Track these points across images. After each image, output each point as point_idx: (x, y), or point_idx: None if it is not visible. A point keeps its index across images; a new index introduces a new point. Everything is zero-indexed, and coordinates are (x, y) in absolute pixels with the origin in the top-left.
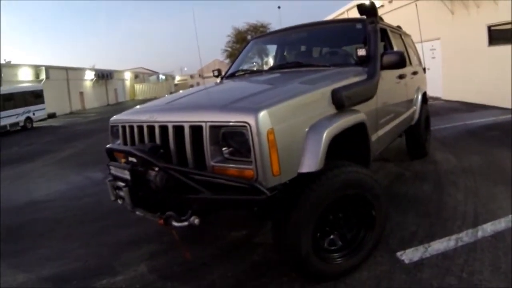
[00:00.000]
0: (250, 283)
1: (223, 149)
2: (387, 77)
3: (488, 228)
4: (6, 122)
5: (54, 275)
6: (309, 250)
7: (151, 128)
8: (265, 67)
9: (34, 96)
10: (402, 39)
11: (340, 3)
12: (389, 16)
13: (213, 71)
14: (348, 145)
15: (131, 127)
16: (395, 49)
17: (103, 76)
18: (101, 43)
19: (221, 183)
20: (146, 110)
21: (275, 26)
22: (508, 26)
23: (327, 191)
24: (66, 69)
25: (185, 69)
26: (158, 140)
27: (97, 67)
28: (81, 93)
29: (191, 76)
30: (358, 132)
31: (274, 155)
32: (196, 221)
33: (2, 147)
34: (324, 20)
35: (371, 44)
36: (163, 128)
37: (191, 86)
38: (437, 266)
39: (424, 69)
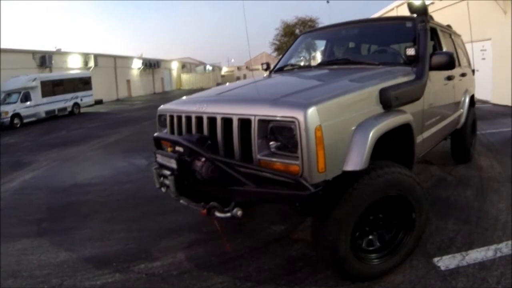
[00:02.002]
0: (285, 278)
1: (270, 143)
2: (435, 78)
3: None
4: (54, 106)
5: (94, 256)
6: (347, 248)
7: (199, 119)
8: (313, 63)
9: (83, 83)
10: (451, 39)
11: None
12: (439, 14)
13: (261, 64)
14: (393, 146)
15: (179, 117)
16: (444, 49)
17: (150, 65)
18: (149, 32)
19: (266, 177)
20: (195, 101)
21: (323, 21)
22: None
23: (369, 191)
24: (114, 57)
25: (232, 60)
26: (206, 131)
27: (145, 56)
28: (128, 81)
29: (238, 68)
30: (403, 133)
31: (321, 152)
32: (239, 213)
33: (50, 131)
34: (374, 18)
35: (420, 44)
36: (212, 120)
37: (238, 78)
38: (473, 276)
39: (473, 71)
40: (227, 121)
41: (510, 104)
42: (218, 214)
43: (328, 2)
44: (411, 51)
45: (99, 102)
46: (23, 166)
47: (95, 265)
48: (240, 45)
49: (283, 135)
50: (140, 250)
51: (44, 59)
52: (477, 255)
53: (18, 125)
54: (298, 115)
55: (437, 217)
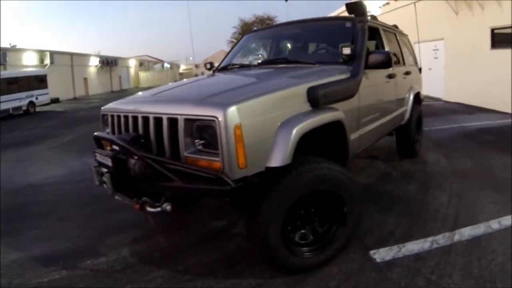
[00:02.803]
0: (223, 271)
1: (196, 141)
2: (374, 76)
3: (466, 233)
4: (9, 105)
5: (44, 254)
6: (278, 241)
7: (135, 119)
8: (255, 62)
9: (38, 81)
10: (396, 38)
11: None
12: (394, 14)
13: (205, 64)
14: (326, 142)
15: (119, 117)
16: (387, 48)
17: (108, 63)
18: (107, 30)
19: (193, 174)
20: (133, 101)
21: (281, 19)
22: (509, 30)
23: (296, 186)
24: (71, 54)
25: (191, 58)
26: (140, 130)
27: (103, 53)
28: (85, 79)
29: (196, 66)
30: (335, 130)
31: (240, 149)
32: (168, 207)
33: (4, 131)
34: (317, 18)
35: (357, 43)
36: (145, 119)
37: (196, 75)
38: (407, 267)
39: (420, 69)
40: (158, 121)
41: (461, 102)
42: (149, 209)
43: (286, 0)
44: (347, 50)
45: (55, 100)
46: None
47: (43, 263)
48: (199, 43)
49: (206, 133)
50: (88, 247)
51: None
52: (414, 246)
53: None
54: (218, 114)
55: (378, 211)
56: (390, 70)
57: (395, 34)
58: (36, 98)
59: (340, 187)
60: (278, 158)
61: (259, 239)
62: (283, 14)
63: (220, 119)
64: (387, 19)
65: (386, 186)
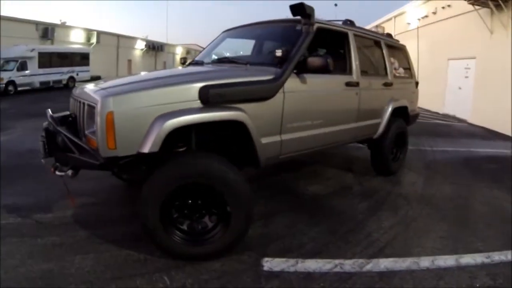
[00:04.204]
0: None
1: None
2: (316, 81)
3: (383, 264)
4: (50, 78)
5: (13, 204)
6: (155, 224)
7: (77, 102)
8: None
9: (81, 58)
10: (380, 47)
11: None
12: (433, 27)
13: (180, 58)
14: (237, 142)
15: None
16: (353, 54)
17: (154, 48)
18: (159, 15)
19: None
20: (82, 88)
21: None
22: None
23: (172, 174)
24: (118, 36)
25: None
26: (77, 112)
27: (150, 38)
28: (129, 61)
29: None
30: (241, 130)
31: (110, 132)
32: (70, 172)
33: (39, 101)
34: (275, 19)
35: (295, 46)
36: (80, 103)
37: None
38: (288, 282)
39: (417, 83)
40: (82, 105)
41: (486, 126)
42: (57, 172)
43: (336, 5)
44: (278, 53)
45: (96, 78)
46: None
47: (7, 210)
48: None
49: (93, 117)
50: (37, 204)
51: (46, 31)
52: (312, 265)
53: (12, 92)
54: (97, 102)
55: (307, 223)
56: (351, 78)
57: (378, 42)
58: (77, 74)
59: (221, 185)
60: (146, 146)
61: (141, 217)
62: (333, 18)
63: (98, 106)
64: (425, 33)
65: (335, 199)
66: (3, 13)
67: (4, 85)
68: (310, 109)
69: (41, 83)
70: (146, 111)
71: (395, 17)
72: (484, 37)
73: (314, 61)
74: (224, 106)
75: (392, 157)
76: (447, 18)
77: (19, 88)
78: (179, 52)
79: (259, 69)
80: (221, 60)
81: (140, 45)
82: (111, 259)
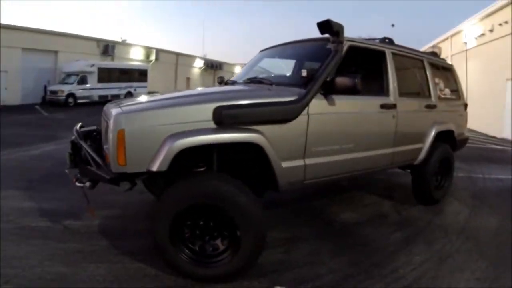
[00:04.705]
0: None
1: None
2: (346, 103)
3: None
4: (108, 92)
5: (48, 208)
6: (165, 240)
7: (102, 118)
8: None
9: (139, 74)
10: (424, 67)
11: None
12: (489, 46)
13: (217, 77)
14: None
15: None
16: (390, 74)
17: (212, 66)
18: (219, 35)
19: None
20: (107, 105)
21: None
22: None
23: (183, 194)
24: (177, 54)
25: None
26: (102, 127)
27: (209, 57)
28: (188, 78)
29: None
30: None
31: (121, 149)
32: (88, 184)
33: (96, 113)
34: (308, 38)
35: (322, 65)
36: (103, 120)
37: None
38: None
39: (466, 106)
40: (105, 122)
41: None
42: (77, 183)
43: (393, 25)
44: (304, 73)
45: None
46: (53, 139)
47: (41, 214)
48: None
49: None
50: (69, 211)
51: (107, 48)
52: None
53: (72, 104)
54: (111, 119)
55: (332, 251)
56: (387, 99)
57: (420, 61)
58: (135, 90)
59: (231, 208)
60: (155, 164)
61: (152, 230)
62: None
63: (110, 123)
64: (482, 52)
65: (367, 228)
66: (66, 30)
67: (64, 97)
68: (338, 133)
69: (100, 96)
70: (158, 130)
71: (451, 36)
72: None
73: (341, 81)
74: (240, 127)
75: (435, 185)
76: (504, 36)
77: (79, 101)
78: (237, 71)
79: (283, 90)
80: (252, 80)
81: (198, 64)
82: (122, 271)
